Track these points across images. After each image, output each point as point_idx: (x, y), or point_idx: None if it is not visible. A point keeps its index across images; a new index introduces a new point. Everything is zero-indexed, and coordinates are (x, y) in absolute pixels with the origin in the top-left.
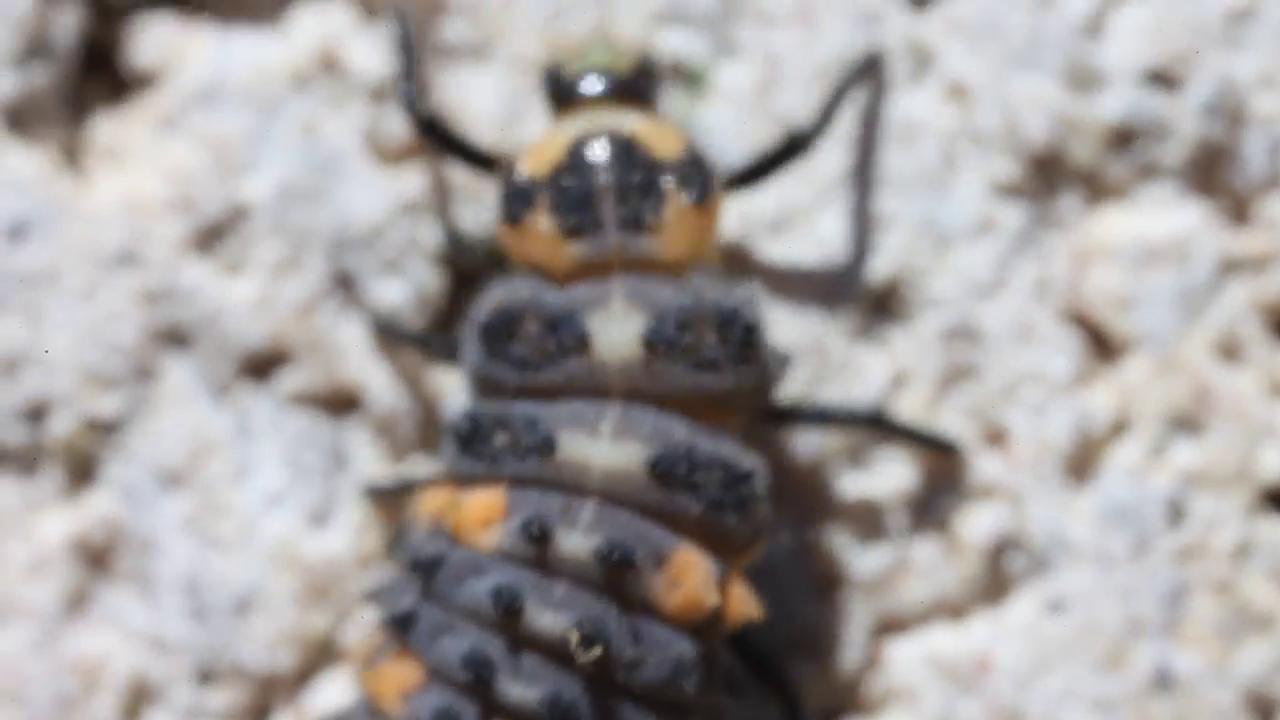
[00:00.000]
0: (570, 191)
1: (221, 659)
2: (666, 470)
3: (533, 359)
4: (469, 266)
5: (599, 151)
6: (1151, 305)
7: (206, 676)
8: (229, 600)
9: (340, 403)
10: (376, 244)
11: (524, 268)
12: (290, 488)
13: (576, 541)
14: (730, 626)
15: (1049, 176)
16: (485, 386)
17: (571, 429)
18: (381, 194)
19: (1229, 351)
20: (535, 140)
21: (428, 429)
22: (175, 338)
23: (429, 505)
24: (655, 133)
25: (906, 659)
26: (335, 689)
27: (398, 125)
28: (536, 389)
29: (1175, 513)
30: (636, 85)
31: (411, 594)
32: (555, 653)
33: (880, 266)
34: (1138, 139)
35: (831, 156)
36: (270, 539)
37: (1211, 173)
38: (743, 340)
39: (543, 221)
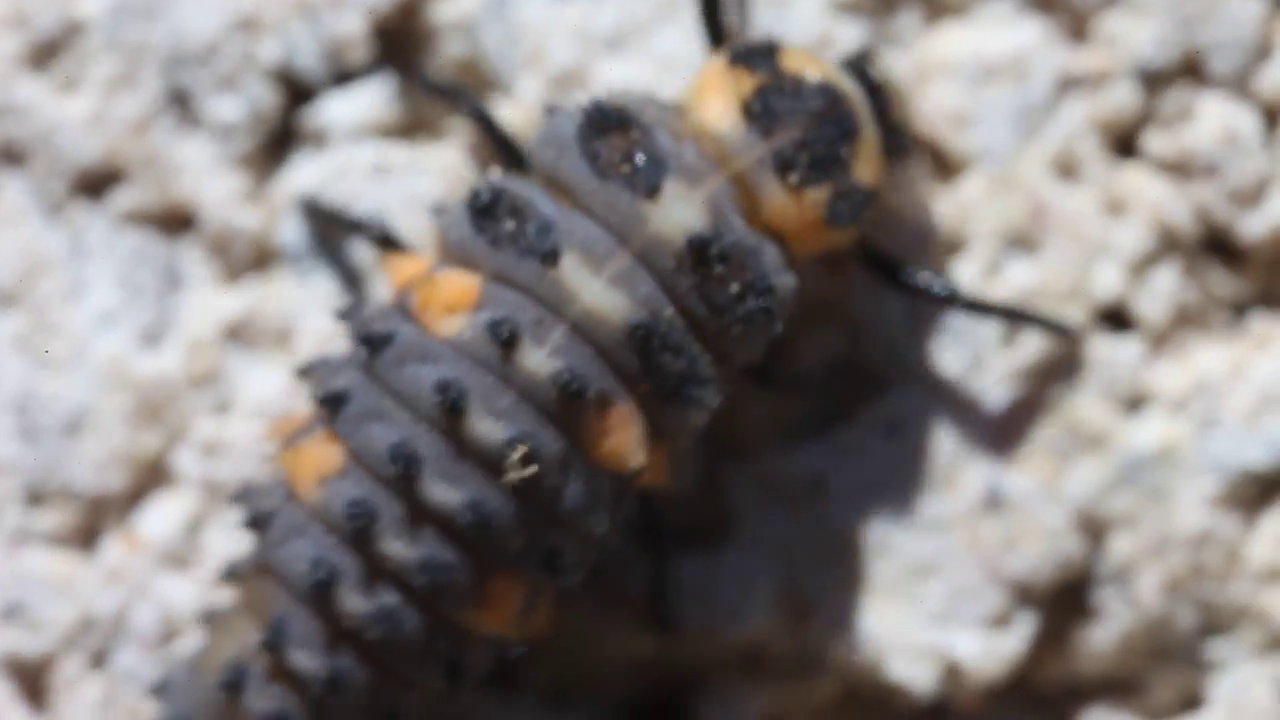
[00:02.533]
0: (775, 98)
1: (51, 479)
2: (641, 338)
3: (612, 164)
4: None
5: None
6: (989, 123)
7: (35, 497)
8: (59, 420)
9: (174, 221)
10: (212, 60)
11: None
12: (123, 307)
13: (539, 359)
14: (643, 487)
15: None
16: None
17: (579, 253)
18: (216, 10)
19: (1066, 169)
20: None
21: (262, 249)
22: (8, 155)
23: (400, 273)
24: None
25: (742, 482)
26: (165, 510)
27: None
28: (582, 188)
29: (1009, 332)
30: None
31: (348, 373)
32: (485, 460)
33: None
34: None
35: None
36: (102, 358)
37: None
38: (756, 315)
39: (741, 85)
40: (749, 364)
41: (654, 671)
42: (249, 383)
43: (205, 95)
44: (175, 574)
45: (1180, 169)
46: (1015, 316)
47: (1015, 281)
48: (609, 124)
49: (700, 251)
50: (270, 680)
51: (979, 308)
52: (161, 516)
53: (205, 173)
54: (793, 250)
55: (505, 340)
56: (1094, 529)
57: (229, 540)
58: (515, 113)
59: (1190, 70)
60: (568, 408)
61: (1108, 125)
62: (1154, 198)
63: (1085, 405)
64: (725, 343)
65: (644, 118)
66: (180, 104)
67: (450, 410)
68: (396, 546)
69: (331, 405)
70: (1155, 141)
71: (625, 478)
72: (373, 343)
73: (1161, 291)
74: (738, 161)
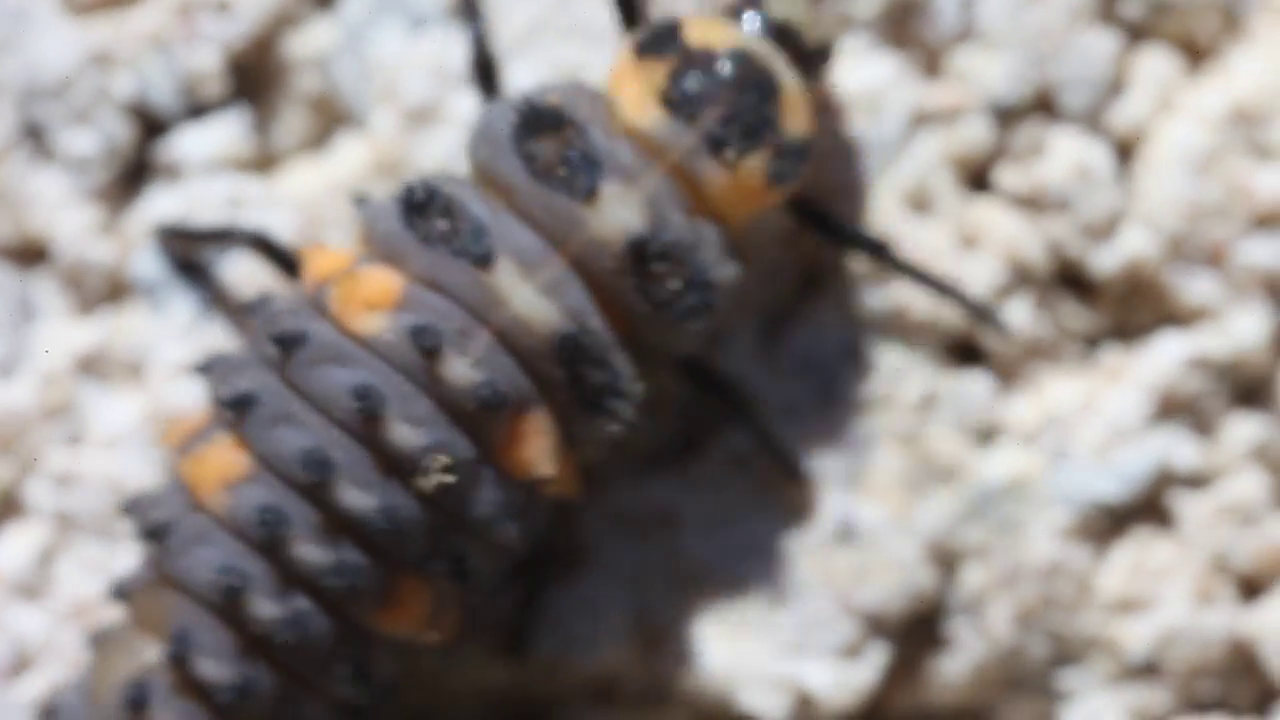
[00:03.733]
0: (690, 81)
1: None
2: (567, 350)
3: (548, 166)
4: None
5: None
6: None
7: None
8: None
9: (28, 254)
10: (66, 94)
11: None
12: None
13: (460, 369)
14: (552, 496)
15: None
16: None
17: (512, 258)
18: (71, 44)
19: (919, 204)
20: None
21: (116, 281)
22: None
23: (319, 265)
24: (794, 98)
25: (594, 513)
26: (17, 541)
27: None
28: (518, 190)
29: (862, 364)
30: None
31: (252, 373)
32: (399, 467)
33: None
34: None
35: (525, 6)
36: None
37: (903, 25)
38: (697, 309)
39: (654, 76)
40: (687, 355)
41: (507, 701)
42: (101, 414)
43: (59, 129)
44: (26, 605)
45: (1032, 203)
46: (939, 288)
47: (867, 314)
48: (544, 123)
49: (640, 251)
50: (176, 694)
51: (905, 269)
52: (13, 548)
53: (59, 205)
54: (737, 223)
55: (427, 349)
56: (945, 560)
57: (81, 571)
58: (368, 148)
59: (1043, 105)
60: (483, 416)
61: (960, 160)
62: (1006, 232)
63: (937, 437)
64: (665, 337)
65: (578, 115)
66: (34, 137)
67: (367, 417)
68: (308, 551)
69: (237, 408)
70: (1008, 176)
71: (535, 486)
72: (285, 342)
73: (1014, 324)
74: (671, 153)
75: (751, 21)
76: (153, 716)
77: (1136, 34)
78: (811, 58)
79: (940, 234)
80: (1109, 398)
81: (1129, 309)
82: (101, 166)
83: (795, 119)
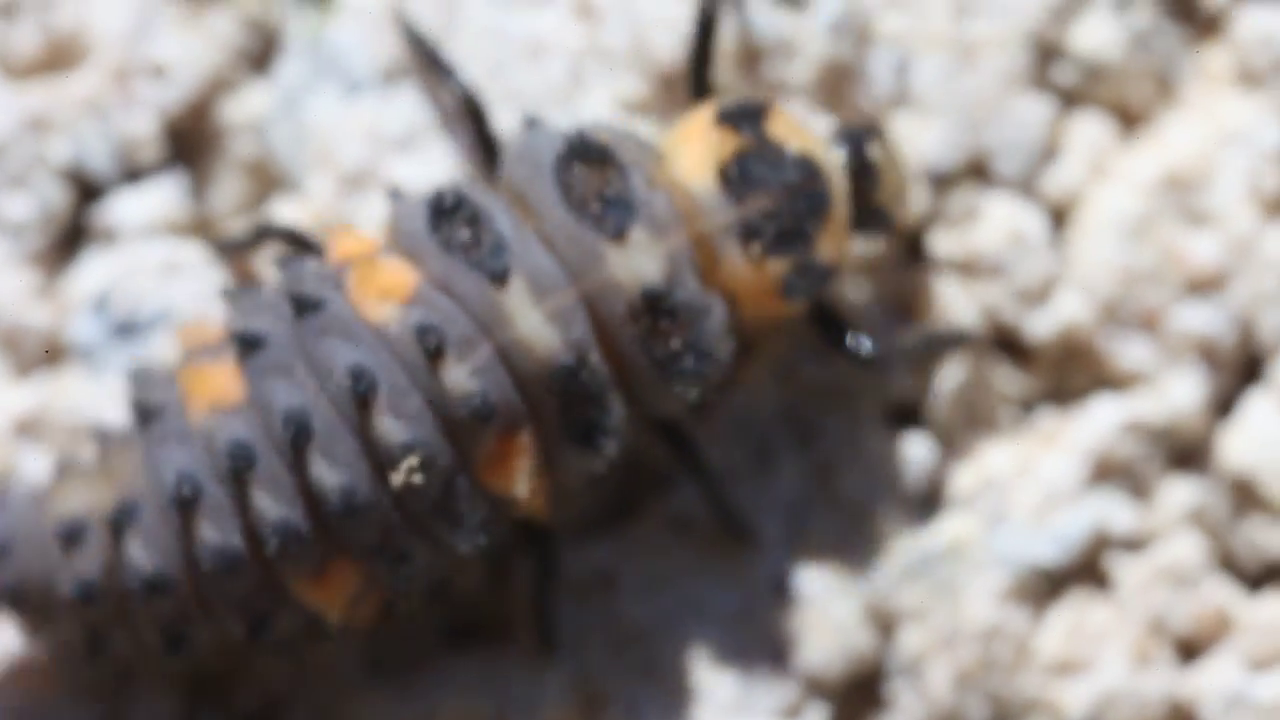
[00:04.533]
0: (753, 166)
1: None
2: (561, 380)
3: (584, 199)
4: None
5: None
6: None
7: None
8: None
9: None
10: (2, 159)
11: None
12: None
13: (458, 376)
14: (523, 513)
15: (677, 95)
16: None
17: (526, 280)
18: (6, 109)
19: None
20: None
21: (53, 345)
22: None
23: (343, 246)
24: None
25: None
26: None
27: (25, 40)
28: (548, 216)
29: (800, 428)
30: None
31: (270, 318)
32: (373, 452)
33: None
34: (766, 57)
35: (461, 74)
36: None
37: (838, 91)
38: (690, 375)
39: (723, 146)
40: (666, 417)
41: None
42: (40, 477)
43: None
44: None
45: (967, 269)
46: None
47: (812, 381)
48: (588, 157)
49: (652, 304)
50: (99, 552)
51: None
52: None
53: None
54: (742, 312)
55: (430, 350)
56: (884, 622)
57: (17, 637)
58: (304, 212)
59: (977, 171)
60: (470, 426)
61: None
62: (942, 297)
63: (874, 501)
64: (653, 394)
65: (623, 157)
66: None
67: (358, 398)
68: (262, 499)
69: (245, 345)
70: (943, 241)
71: (505, 503)
72: (301, 304)
73: (950, 390)
74: (705, 223)
75: (840, 145)
76: (75, 558)
77: (1070, 100)
78: (872, 212)
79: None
80: (1045, 461)
81: (1064, 373)
82: (38, 231)
83: (830, 244)
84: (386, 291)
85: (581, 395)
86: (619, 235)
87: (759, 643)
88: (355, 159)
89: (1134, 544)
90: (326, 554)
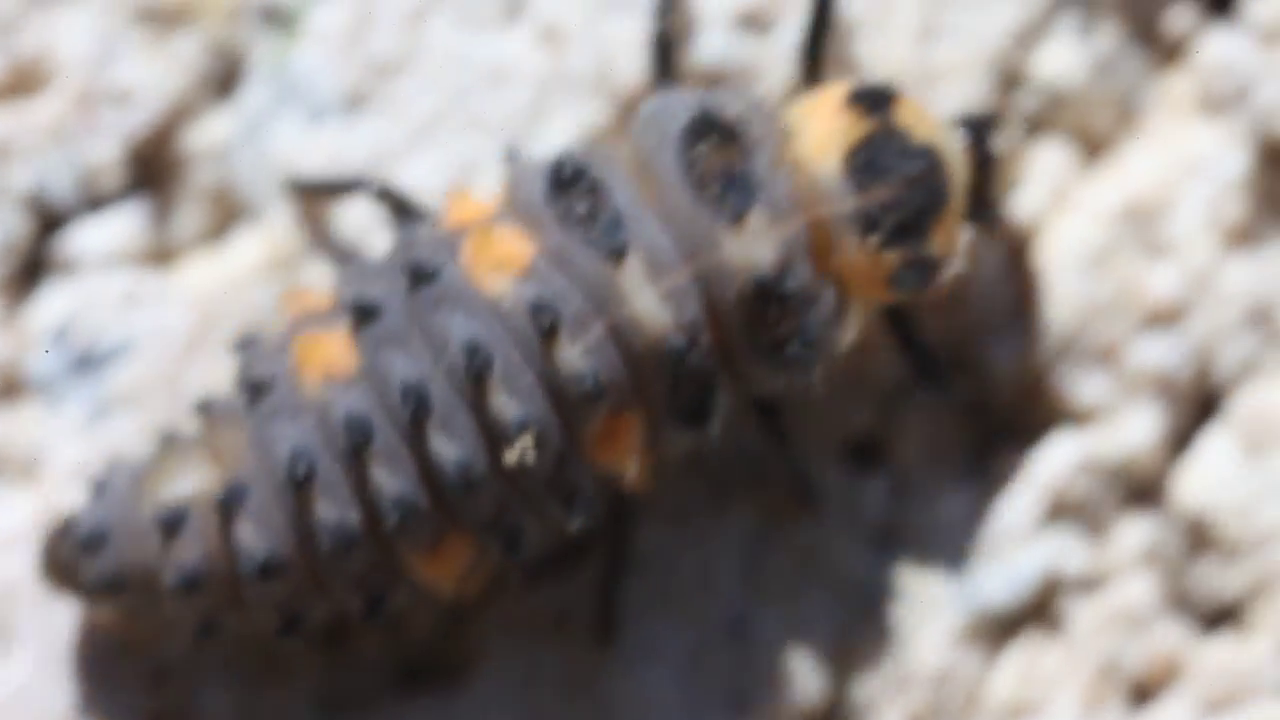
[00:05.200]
0: (881, 154)
1: None
2: (672, 361)
3: (706, 177)
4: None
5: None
6: None
7: None
8: None
9: None
10: None
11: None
12: None
13: (572, 355)
14: (623, 489)
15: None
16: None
17: (643, 257)
18: None
19: None
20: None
21: (10, 378)
22: None
23: (459, 210)
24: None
25: (485, 618)
26: None
27: None
28: (669, 191)
29: (758, 467)
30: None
31: (384, 286)
32: (488, 430)
33: None
34: (730, 81)
35: (423, 99)
36: None
37: None
38: (795, 361)
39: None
40: (770, 395)
41: None
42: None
43: None
44: None
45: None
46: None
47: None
48: (716, 132)
49: (762, 292)
50: (204, 538)
51: (967, 407)
52: None
53: None
54: (851, 294)
55: (545, 328)
56: (838, 664)
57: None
58: (266, 242)
59: None
60: (581, 405)
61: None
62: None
63: (830, 540)
64: (759, 377)
65: (750, 134)
66: None
67: (473, 373)
68: (380, 473)
69: (360, 315)
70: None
71: (612, 481)
72: (417, 274)
73: (911, 428)
74: (825, 208)
75: (964, 136)
76: (175, 548)
77: (1032, 127)
78: (984, 204)
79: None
80: (1000, 502)
81: (1021, 412)
82: None
83: (943, 239)
84: (502, 263)
85: (691, 376)
86: (737, 219)
87: (713, 684)
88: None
89: (1087, 585)
90: (441, 528)
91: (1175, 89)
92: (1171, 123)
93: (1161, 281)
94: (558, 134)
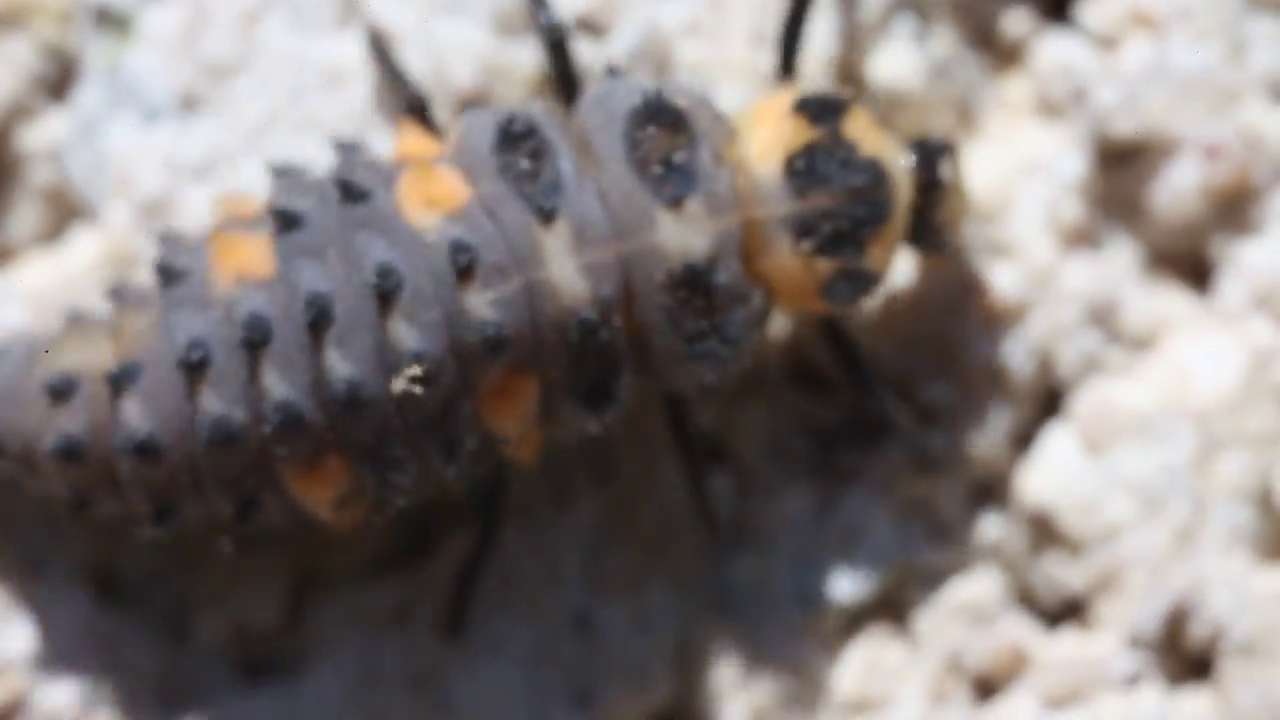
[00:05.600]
0: (822, 162)
1: None
2: (579, 335)
3: (648, 159)
4: None
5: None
6: None
7: None
8: None
9: None
10: None
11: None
12: None
13: (480, 302)
14: (506, 459)
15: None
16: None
17: (572, 225)
18: None
19: None
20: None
21: None
22: None
23: (407, 145)
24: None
25: (326, 612)
26: None
27: None
28: (610, 169)
29: (603, 463)
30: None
31: (313, 199)
32: (384, 353)
33: None
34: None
35: (257, 100)
36: None
37: None
38: (709, 358)
39: (796, 136)
40: (676, 390)
41: None
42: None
43: None
44: None
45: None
46: (934, 466)
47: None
48: (663, 118)
49: (691, 279)
50: (90, 409)
51: (904, 432)
52: None
53: None
54: (778, 301)
55: (462, 266)
56: (684, 659)
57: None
58: (102, 241)
59: None
60: (479, 354)
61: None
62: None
63: (676, 537)
64: (670, 368)
65: (697, 126)
66: None
67: (381, 295)
68: (269, 376)
69: (283, 222)
70: None
71: (496, 439)
72: (348, 191)
73: (753, 426)
74: (762, 209)
75: (911, 155)
76: (59, 415)
77: None
78: (929, 229)
79: None
80: (844, 498)
81: (863, 408)
82: None
83: (880, 255)
84: (434, 200)
85: (595, 353)
86: (675, 204)
87: (557, 679)
88: (153, 187)
89: (932, 580)
90: (323, 446)
91: (1013, 92)
92: (1009, 125)
93: (1002, 281)
94: (391, 135)
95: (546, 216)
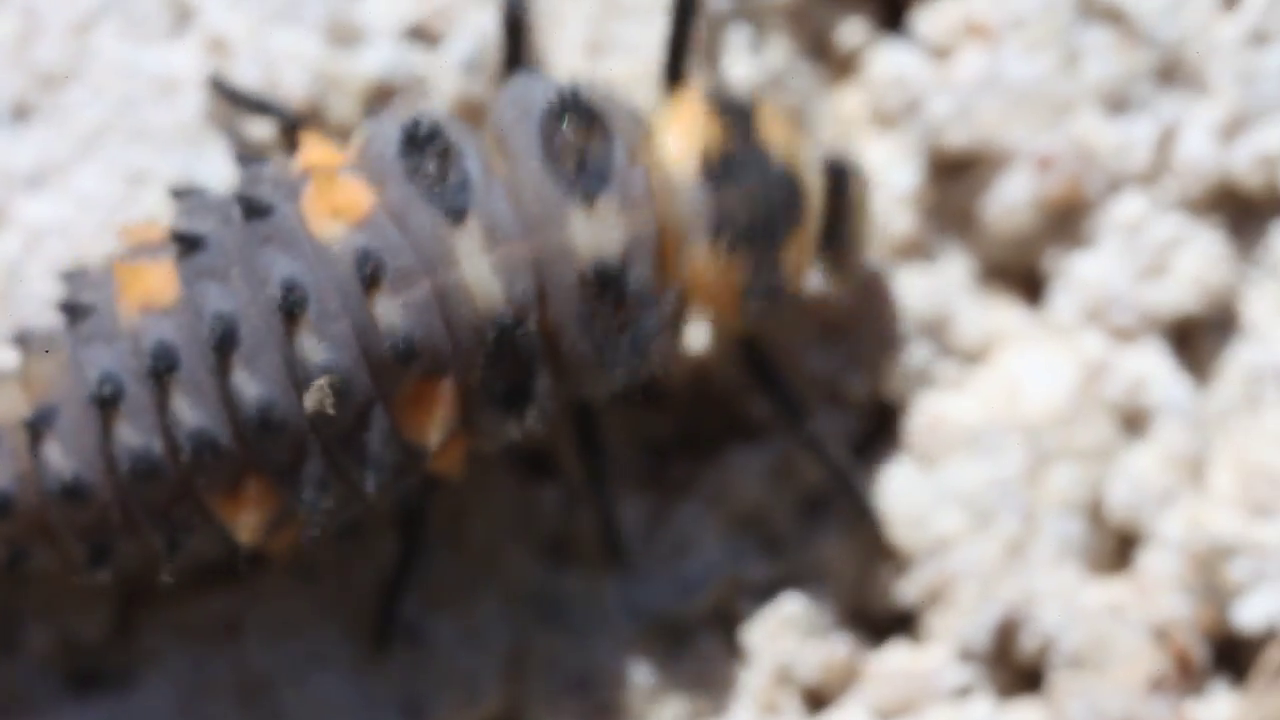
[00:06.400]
0: (739, 165)
1: None
2: (495, 336)
3: (561, 155)
4: None
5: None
6: None
7: None
8: None
9: None
10: None
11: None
12: None
13: (389, 308)
14: (430, 471)
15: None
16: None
17: (482, 223)
18: None
19: None
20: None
21: None
22: None
23: (310, 155)
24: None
25: (154, 625)
26: None
27: None
28: (522, 165)
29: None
30: None
31: (213, 220)
32: (293, 369)
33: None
34: (398, 94)
35: (90, 109)
36: None
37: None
38: (621, 363)
39: (713, 137)
40: (589, 397)
41: None
42: None
43: None
44: None
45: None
46: (843, 480)
47: None
48: (578, 115)
49: (602, 279)
50: (14, 459)
51: (820, 453)
52: None
53: None
54: (695, 309)
55: (368, 274)
56: (514, 670)
57: None
58: None
59: None
60: (392, 361)
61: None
62: None
63: (507, 549)
64: (580, 372)
65: (612, 124)
66: None
67: (287, 311)
68: (181, 405)
69: (184, 244)
70: None
71: (417, 451)
72: (250, 208)
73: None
74: (677, 208)
75: (824, 169)
76: None
77: None
78: (835, 244)
79: None
80: (675, 509)
81: (696, 417)
82: None
83: (794, 257)
84: (339, 210)
85: (512, 355)
86: (588, 199)
87: (387, 691)
88: None
89: (763, 593)
90: (243, 470)
91: (848, 103)
92: (844, 136)
93: (834, 293)
94: (224, 145)
95: (456, 216)
